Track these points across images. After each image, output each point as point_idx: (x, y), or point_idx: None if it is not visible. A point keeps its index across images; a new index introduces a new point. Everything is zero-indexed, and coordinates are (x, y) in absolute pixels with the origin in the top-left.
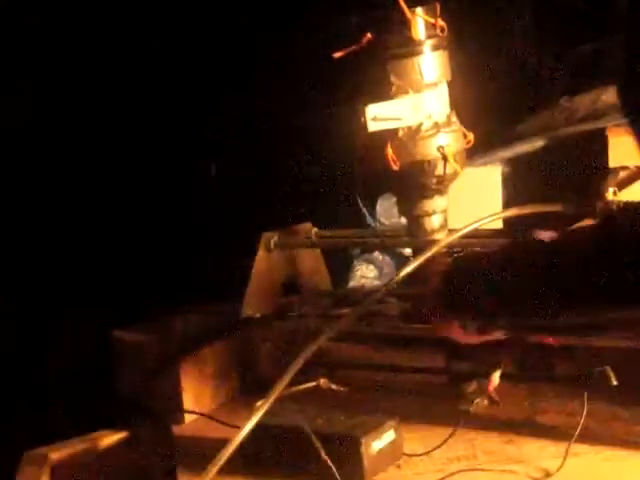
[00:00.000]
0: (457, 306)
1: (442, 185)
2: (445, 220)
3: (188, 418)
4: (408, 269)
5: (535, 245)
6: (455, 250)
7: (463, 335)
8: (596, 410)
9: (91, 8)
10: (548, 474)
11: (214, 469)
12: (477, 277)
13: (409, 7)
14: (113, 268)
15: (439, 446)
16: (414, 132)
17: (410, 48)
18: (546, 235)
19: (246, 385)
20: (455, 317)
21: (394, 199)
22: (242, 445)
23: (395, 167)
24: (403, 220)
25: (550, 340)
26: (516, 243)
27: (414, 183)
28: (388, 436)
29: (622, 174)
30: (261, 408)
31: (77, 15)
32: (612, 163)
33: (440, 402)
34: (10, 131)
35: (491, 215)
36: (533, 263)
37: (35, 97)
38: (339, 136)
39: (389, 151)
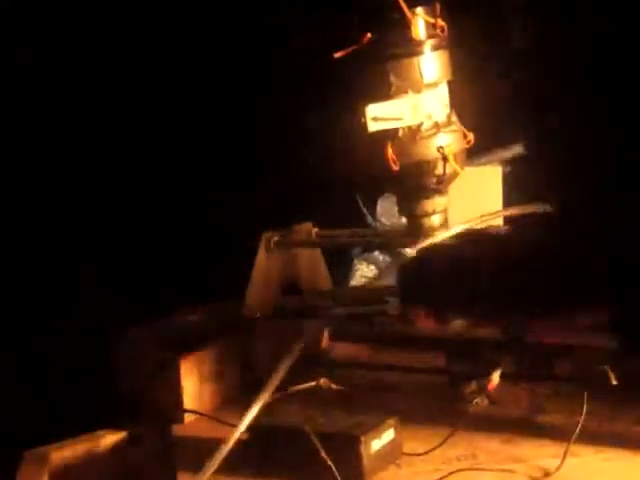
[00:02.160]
0: (414, 296)
1: (442, 185)
2: (445, 220)
3: (188, 418)
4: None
5: (482, 240)
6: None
7: (424, 322)
8: (596, 410)
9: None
10: (547, 474)
11: (213, 465)
12: (431, 270)
13: (409, 7)
14: (113, 268)
15: (439, 445)
16: (414, 132)
17: (410, 48)
18: (495, 231)
19: (246, 385)
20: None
21: (394, 199)
22: (242, 444)
23: (395, 167)
24: (403, 220)
25: (550, 340)
26: (467, 239)
27: (414, 183)
28: (388, 435)
29: None
30: (256, 404)
31: (80, 19)
32: None
33: (440, 402)
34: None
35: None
36: (479, 257)
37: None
38: (339, 136)
39: (389, 151)
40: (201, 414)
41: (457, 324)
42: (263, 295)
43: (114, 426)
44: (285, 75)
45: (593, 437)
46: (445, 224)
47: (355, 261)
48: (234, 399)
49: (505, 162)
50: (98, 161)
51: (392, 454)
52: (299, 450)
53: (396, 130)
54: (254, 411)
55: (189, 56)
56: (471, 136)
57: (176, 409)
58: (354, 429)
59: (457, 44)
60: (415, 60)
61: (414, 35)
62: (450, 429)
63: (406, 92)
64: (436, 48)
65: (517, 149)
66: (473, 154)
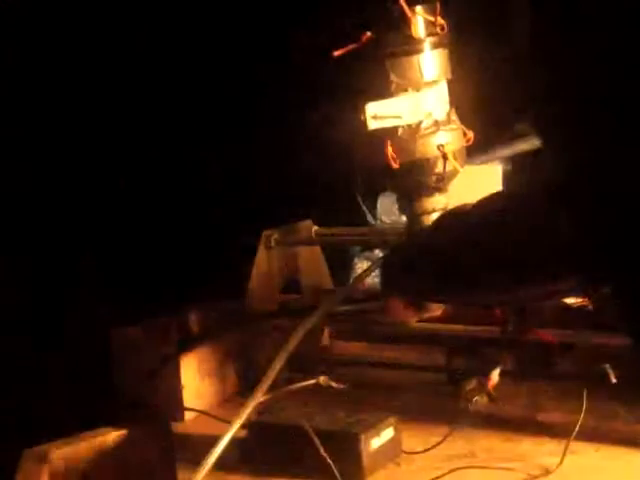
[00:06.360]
0: (395, 284)
1: (442, 183)
2: None
3: (188, 415)
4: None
5: (459, 219)
6: None
7: (403, 312)
8: (595, 408)
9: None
10: (547, 472)
11: (208, 462)
12: (412, 254)
13: (409, 5)
14: (113, 267)
15: (438, 444)
16: (414, 130)
17: (410, 46)
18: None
19: (246, 382)
20: (394, 295)
21: (394, 197)
22: (241, 442)
23: (395, 165)
24: (404, 218)
25: (550, 337)
26: (444, 216)
27: (414, 181)
28: (387, 433)
29: None
30: (249, 404)
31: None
32: None
33: (439, 400)
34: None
35: None
36: (457, 236)
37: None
38: (339, 135)
39: (389, 149)
40: (201, 412)
41: (434, 308)
42: (263, 293)
43: (114, 425)
44: (285, 74)
45: (593, 435)
46: None
47: (355, 259)
48: (234, 396)
49: (511, 157)
50: (99, 160)
51: (391, 452)
52: (299, 448)
53: (396, 128)
54: (249, 408)
55: (188, 56)
56: (471, 134)
57: (176, 407)
58: (354, 427)
59: (457, 42)
60: (415, 58)
61: (414, 33)
62: (450, 427)
63: (406, 90)
64: (436, 46)
65: (534, 141)
66: (487, 147)
